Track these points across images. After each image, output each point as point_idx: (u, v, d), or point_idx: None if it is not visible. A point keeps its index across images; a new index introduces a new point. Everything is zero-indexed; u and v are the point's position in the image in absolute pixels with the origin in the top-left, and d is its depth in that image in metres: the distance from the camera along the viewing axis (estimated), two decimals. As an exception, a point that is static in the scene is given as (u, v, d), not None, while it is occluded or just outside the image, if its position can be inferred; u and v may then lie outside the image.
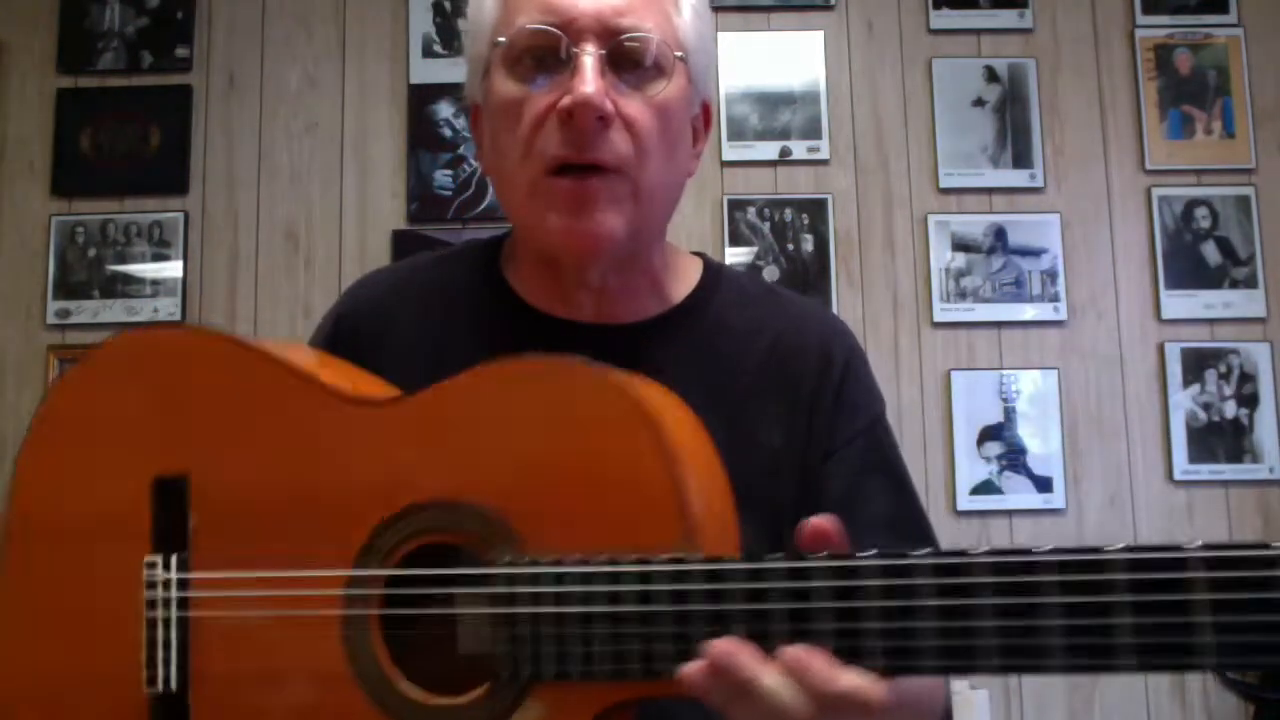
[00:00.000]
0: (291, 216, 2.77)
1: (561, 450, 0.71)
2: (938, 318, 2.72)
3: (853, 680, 0.61)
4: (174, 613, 0.78)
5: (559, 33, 0.84)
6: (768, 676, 0.62)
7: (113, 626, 0.79)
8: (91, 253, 2.73)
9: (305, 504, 0.77)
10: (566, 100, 0.82)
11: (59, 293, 2.72)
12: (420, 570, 0.73)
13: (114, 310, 2.71)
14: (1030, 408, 2.69)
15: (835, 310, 2.70)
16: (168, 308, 2.71)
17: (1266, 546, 0.55)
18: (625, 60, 0.85)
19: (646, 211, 0.88)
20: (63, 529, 0.82)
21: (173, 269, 2.72)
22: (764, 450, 0.90)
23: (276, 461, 0.79)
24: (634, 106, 0.85)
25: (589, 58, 0.83)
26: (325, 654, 0.73)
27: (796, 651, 0.62)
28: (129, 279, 2.72)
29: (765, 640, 0.63)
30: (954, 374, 2.70)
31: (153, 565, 0.79)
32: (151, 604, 0.78)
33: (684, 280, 0.98)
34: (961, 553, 0.61)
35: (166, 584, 0.78)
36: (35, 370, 2.68)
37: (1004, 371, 2.70)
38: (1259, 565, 0.55)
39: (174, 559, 0.79)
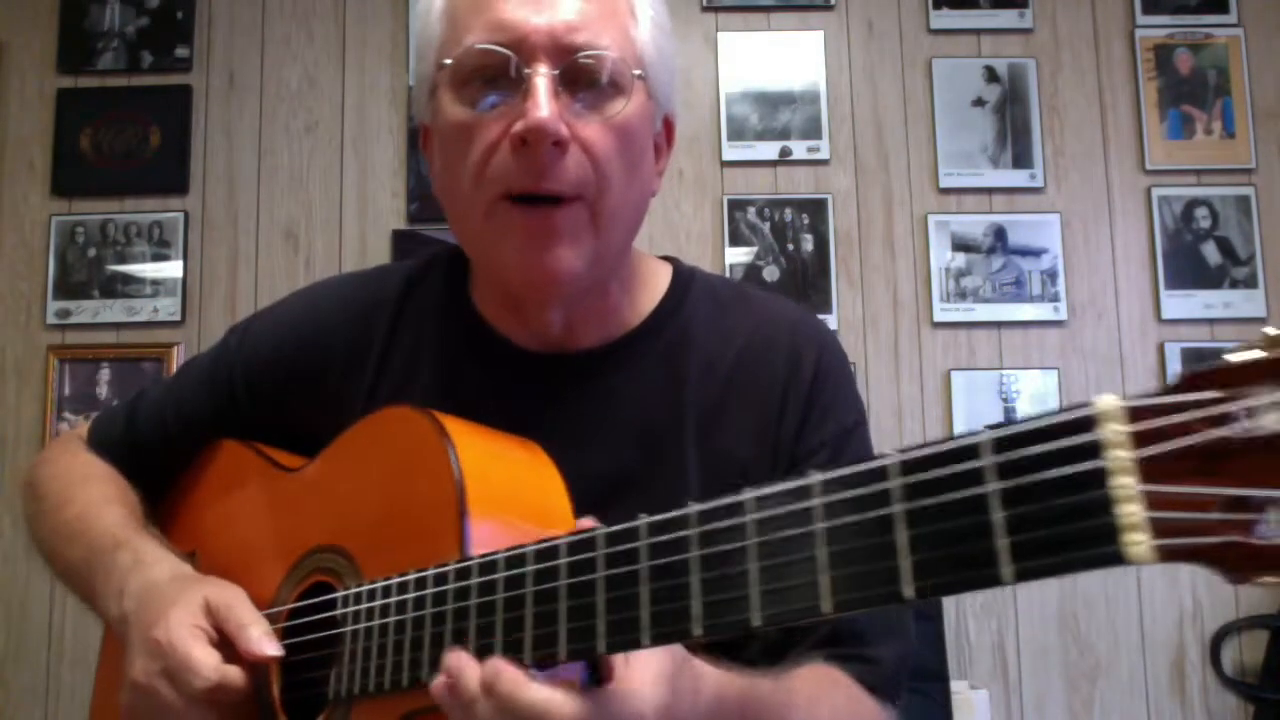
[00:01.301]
0: (291, 216, 2.77)
1: (387, 491, 0.80)
2: (938, 318, 2.72)
3: (540, 693, 0.60)
4: None
5: (509, 52, 0.78)
6: (482, 699, 0.61)
7: None
8: (91, 253, 2.73)
9: (256, 557, 0.91)
10: (519, 125, 0.77)
11: (59, 293, 2.71)
12: (293, 604, 0.84)
13: (114, 310, 2.71)
14: (1030, 408, 2.69)
15: (835, 310, 2.70)
16: (168, 308, 2.70)
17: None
18: (580, 79, 0.80)
19: (607, 239, 0.83)
20: None
21: (173, 269, 2.72)
22: (734, 464, 0.87)
23: (245, 527, 0.95)
24: (591, 129, 0.80)
25: (542, 79, 0.78)
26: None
27: (492, 665, 0.62)
28: (129, 279, 2.72)
29: (489, 639, 0.65)
30: (954, 374, 2.70)
31: None
32: None
33: (651, 293, 0.93)
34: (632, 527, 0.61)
35: None
36: (35, 370, 2.68)
37: (1004, 371, 2.70)
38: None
39: None
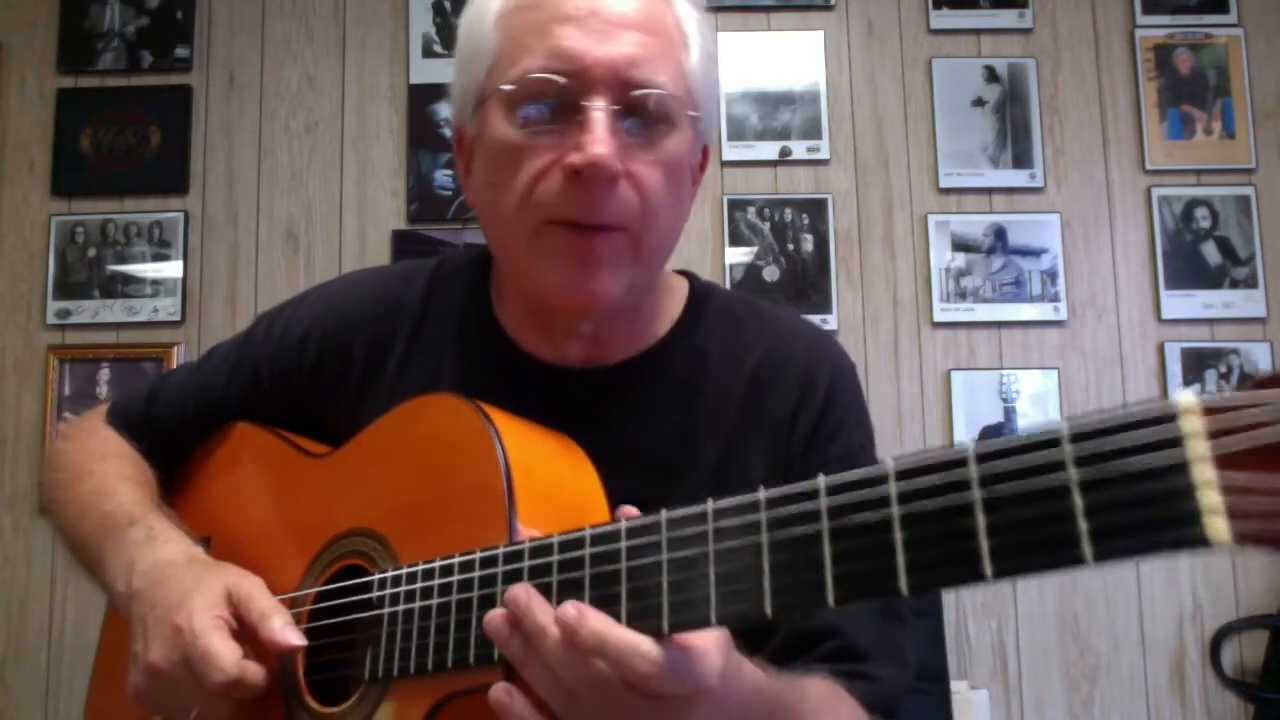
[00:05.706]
0: (291, 216, 2.77)
1: (426, 476, 0.80)
2: (938, 318, 2.72)
3: (628, 635, 0.60)
4: None
5: (569, 83, 0.78)
6: (552, 628, 0.61)
7: None
8: (91, 253, 2.73)
9: (277, 541, 0.91)
10: (576, 158, 0.77)
11: (59, 293, 2.71)
12: (321, 588, 0.84)
13: (114, 310, 2.71)
14: (1030, 408, 2.69)
15: (835, 310, 2.70)
16: (168, 308, 2.70)
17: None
18: (635, 114, 0.80)
19: (646, 268, 0.85)
20: None
21: (173, 269, 2.72)
22: (748, 487, 0.87)
23: (265, 512, 0.95)
24: (641, 164, 0.80)
25: (600, 113, 0.77)
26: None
27: (572, 606, 0.61)
28: (129, 279, 2.72)
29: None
30: (954, 374, 2.70)
31: None
32: None
33: (668, 309, 0.94)
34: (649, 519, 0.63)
35: None
36: (35, 370, 2.68)
37: (1004, 371, 2.70)
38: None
39: None
